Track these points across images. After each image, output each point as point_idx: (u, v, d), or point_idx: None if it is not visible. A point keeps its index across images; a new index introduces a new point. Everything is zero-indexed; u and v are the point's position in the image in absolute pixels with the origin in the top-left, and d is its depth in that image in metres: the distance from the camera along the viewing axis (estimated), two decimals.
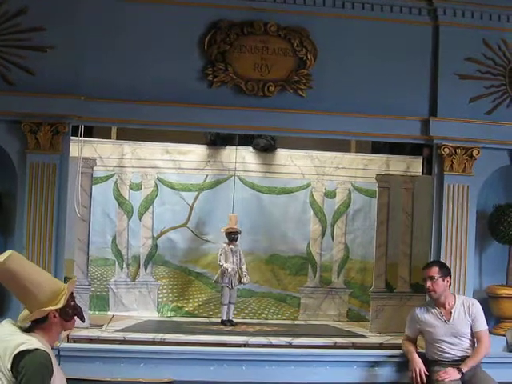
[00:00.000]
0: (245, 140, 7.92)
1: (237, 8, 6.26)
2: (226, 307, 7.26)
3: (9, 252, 3.86)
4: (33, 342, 3.76)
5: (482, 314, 5.82)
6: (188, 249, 7.92)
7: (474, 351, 5.70)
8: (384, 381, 6.09)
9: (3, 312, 5.86)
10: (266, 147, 8.00)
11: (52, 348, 3.94)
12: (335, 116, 6.27)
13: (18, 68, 5.93)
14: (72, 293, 4.03)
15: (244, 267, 7.39)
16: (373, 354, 6.19)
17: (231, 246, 7.28)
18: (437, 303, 5.82)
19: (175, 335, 6.51)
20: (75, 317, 4.03)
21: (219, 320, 7.31)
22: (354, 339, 6.77)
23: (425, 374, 5.70)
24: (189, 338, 6.41)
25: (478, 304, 5.86)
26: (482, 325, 5.78)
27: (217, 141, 7.90)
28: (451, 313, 5.76)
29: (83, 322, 4.23)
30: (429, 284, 5.76)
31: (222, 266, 7.22)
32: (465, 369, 5.57)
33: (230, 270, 7.19)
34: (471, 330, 5.75)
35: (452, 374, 5.55)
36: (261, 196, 8.05)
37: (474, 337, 5.75)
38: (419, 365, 5.74)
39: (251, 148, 8.00)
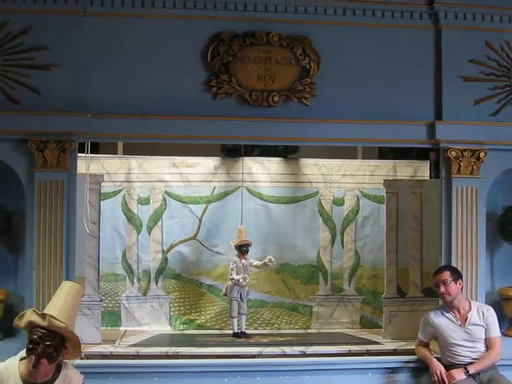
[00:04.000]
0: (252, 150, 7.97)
1: (238, 19, 6.29)
2: (235, 320, 7.22)
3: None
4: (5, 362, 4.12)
5: (496, 320, 5.83)
6: (198, 261, 7.91)
7: (485, 355, 5.70)
8: None
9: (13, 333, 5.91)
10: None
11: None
12: (340, 123, 6.27)
13: (23, 87, 5.97)
14: (40, 328, 4.03)
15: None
16: (387, 361, 6.16)
17: (243, 261, 7.23)
18: (451, 307, 5.81)
19: (188, 348, 6.49)
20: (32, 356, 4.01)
21: (231, 332, 7.28)
22: (368, 346, 6.73)
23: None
24: (202, 351, 6.39)
25: (493, 311, 5.86)
26: (495, 331, 5.79)
27: (230, 152, 7.91)
28: (467, 318, 5.76)
29: (32, 367, 4.03)
30: (442, 288, 5.75)
31: (233, 279, 7.18)
32: (472, 370, 5.59)
33: (241, 280, 7.14)
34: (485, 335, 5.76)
35: (457, 374, 5.58)
36: (269, 206, 8.03)
37: (487, 343, 5.75)
38: (439, 367, 5.72)
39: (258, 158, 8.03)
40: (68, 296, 4.25)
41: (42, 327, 4.01)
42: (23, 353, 4.12)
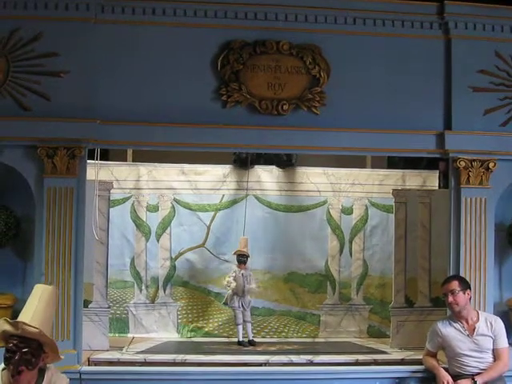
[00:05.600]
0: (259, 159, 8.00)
1: (248, 28, 6.29)
2: (240, 327, 7.22)
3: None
4: None
5: (504, 331, 5.80)
6: (206, 269, 7.92)
7: (492, 366, 5.67)
8: None
9: None
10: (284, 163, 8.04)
11: None
12: (350, 132, 6.27)
13: (33, 93, 5.97)
14: (14, 336, 3.97)
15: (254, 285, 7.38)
16: (395, 370, 6.15)
17: (242, 271, 7.25)
18: (459, 317, 5.78)
19: (196, 356, 6.50)
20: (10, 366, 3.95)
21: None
22: (376, 355, 6.73)
23: None
24: (209, 359, 6.40)
25: (501, 321, 5.83)
26: (503, 342, 5.76)
27: (238, 161, 7.93)
28: (475, 328, 5.73)
29: (11, 376, 3.96)
30: (450, 298, 5.72)
31: (228, 286, 7.21)
32: (479, 380, 5.56)
33: (233, 285, 7.15)
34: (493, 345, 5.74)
35: None
36: (278, 214, 8.04)
37: (494, 353, 5.73)
38: (447, 377, 5.70)
39: (267, 166, 8.04)
40: (40, 300, 4.19)
41: (17, 335, 3.97)
42: None
